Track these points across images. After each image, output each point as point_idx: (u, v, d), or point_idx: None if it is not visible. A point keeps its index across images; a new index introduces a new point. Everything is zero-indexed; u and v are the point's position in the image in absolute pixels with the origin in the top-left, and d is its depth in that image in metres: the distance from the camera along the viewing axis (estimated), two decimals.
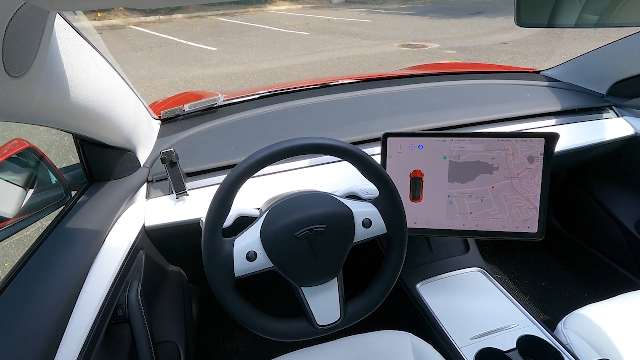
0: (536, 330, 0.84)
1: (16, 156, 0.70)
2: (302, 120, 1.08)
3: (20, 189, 0.70)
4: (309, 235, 0.62)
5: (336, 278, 0.67)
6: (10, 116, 0.48)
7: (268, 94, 1.25)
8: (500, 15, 8.58)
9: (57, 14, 0.50)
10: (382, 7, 11.45)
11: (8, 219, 0.66)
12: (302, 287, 0.65)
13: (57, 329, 0.55)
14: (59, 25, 0.51)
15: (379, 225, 0.67)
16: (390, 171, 0.88)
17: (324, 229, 0.63)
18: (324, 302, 0.66)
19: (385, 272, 0.70)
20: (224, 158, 0.94)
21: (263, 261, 0.62)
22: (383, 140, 0.87)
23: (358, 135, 1.01)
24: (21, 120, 0.51)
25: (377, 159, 0.89)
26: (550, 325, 0.87)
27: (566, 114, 1.18)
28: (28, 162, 0.73)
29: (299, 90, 1.26)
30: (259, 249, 0.62)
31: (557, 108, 1.17)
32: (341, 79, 1.33)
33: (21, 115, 0.49)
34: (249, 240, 0.62)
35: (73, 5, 0.38)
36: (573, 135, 1.11)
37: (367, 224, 0.66)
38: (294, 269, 0.63)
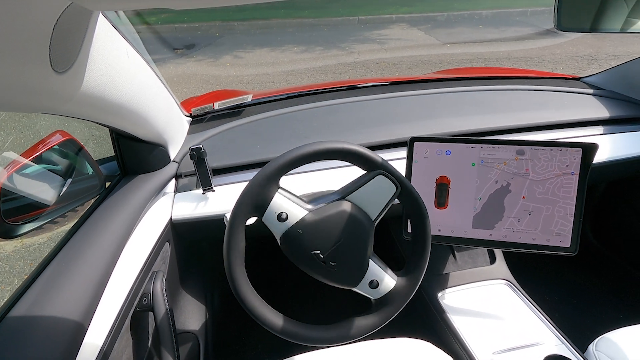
0: (565, 350, 0.80)
1: (58, 147, 0.74)
2: (329, 122, 1.09)
3: (60, 178, 0.75)
4: (323, 262, 0.64)
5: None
6: (54, 109, 0.51)
7: (296, 94, 1.26)
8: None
9: (100, 14, 0.52)
10: None
11: (48, 206, 0.70)
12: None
13: (87, 312, 0.58)
14: (101, 24, 0.54)
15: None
16: (415, 176, 0.87)
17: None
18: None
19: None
20: (250, 156, 0.95)
21: None
22: (409, 144, 0.86)
23: (384, 138, 1.00)
24: (63, 113, 0.54)
25: (403, 163, 0.88)
26: (581, 346, 0.82)
27: (608, 123, 1.11)
28: (68, 153, 0.78)
29: (327, 92, 1.27)
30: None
31: (598, 117, 1.10)
32: (370, 81, 1.32)
33: (63, 109, 0.52)
34: None
35: (116, 5, 0.40)
36: (614, 146, 1.04)
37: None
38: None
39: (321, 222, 0.64)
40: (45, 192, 0.71)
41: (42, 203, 0.69)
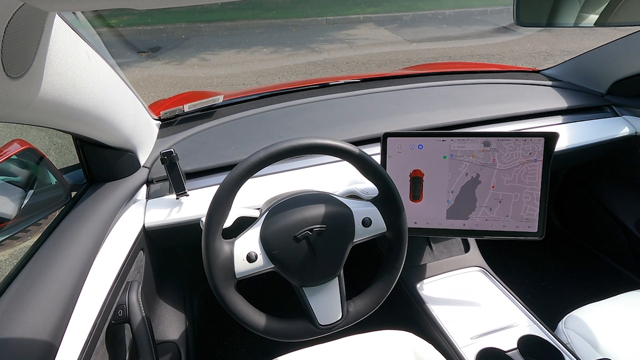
0: (537, 330, 0.84)
1: (16, 157, 0.70)
2: (302, 120, 1.08)
3: (21, 190, 0.70)
4: (308, 236, 0.62)
5: (337, 278, 0.67)
6: (10, 117, 0.48)
7: (268, 93, 1.25)
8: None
9: (56, 15, 0.50)
10: None
11: (8, 220, 0.66)
12: (303, 287, 0.65)
13: (57, 329, 0.55)
14: (58, 26, 0.51)
15: (379, 224, 0.68)
16: (390, 171, 0.88)
17: (323, 228, 0.63)
18: (325, 302, 0.66)
19: (386, 272, 0.70)
20: (223, 158, 0.94)
21: (263, 262, 0.62)
22: (383, 140, 0.87)
23: (358, 134, 1.01)
24: (20, 121, 0.51)
25: (377, 159, 0.89)
26: (551, 324, 0.87)
27: (566, 113, 1.18)
28: (28, 163, 0.73)
29: (299, 90, 1.26)
30: (259, 249, 0.62)
31: (557, 107, 1.17)
32: (342, 79, 1.33)
33: (20, 116, 0.49)
34: (249, 241, 0.62)
35: (72, 6, 0.38)
36: (573, 135, 1.11)
37: (367, 222, 0.67)
38: (294, 269, 0.63)
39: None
40: (4, 205, 0.66)
41: (1, 217, 0.65)
